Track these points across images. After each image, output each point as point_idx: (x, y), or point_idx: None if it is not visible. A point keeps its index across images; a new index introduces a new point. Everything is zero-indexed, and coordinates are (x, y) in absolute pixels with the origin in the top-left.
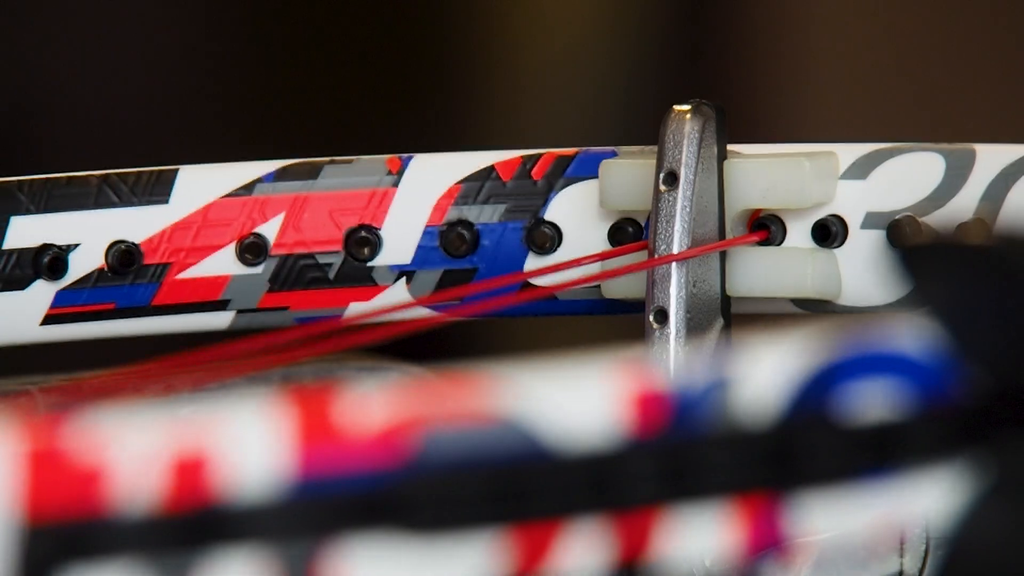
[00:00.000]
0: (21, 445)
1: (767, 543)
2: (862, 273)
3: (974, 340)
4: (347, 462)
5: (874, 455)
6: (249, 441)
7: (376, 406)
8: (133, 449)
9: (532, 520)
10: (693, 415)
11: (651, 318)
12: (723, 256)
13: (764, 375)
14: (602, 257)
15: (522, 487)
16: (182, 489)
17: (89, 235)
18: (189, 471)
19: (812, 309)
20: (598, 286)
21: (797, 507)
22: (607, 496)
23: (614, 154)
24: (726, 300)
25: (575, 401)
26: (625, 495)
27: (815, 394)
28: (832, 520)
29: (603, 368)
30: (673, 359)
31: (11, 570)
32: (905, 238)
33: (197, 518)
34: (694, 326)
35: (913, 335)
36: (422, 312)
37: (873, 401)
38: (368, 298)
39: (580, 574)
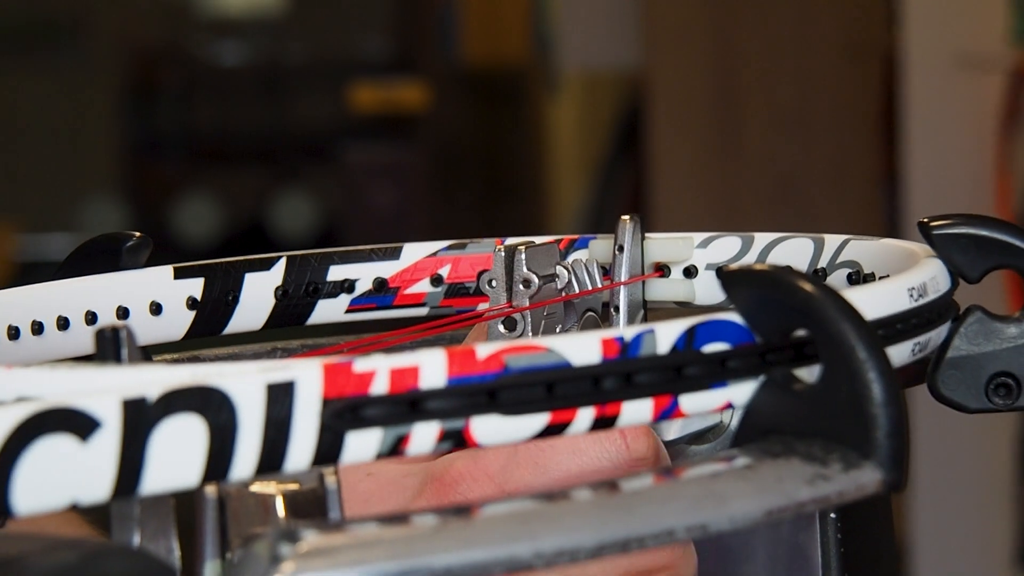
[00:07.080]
0: (320, 362)
1: (664, 412)
2: (706, 290)
3: (756, 317)
4: (471, 370)
5: (715, 368)
6: (428, 361)
7: (484, 346)
8: (375, 365)
9: (561, 398)
10: (632, 348)
11: (612, 310)
12: (643, 283)
13: (665, 330)
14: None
15: (556, 381)
16: (397, 385)
17: (364, 274)
18: (402, 375)
19: (683, 307)
20: None
21: (680, 394)
22: (596, 385)
23: (595, 238)
24: (645, 303)
25: (580, 339)
26: (604, 386)
27: (690, 339)
28: (697, 400)
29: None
30: (622, 328)
31: (316, 422)
32: (724, 272)
33: (404, 400)
34: (631, 315)
35: (733, 313)
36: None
37: (716, 344)
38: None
39: (582, 429)
